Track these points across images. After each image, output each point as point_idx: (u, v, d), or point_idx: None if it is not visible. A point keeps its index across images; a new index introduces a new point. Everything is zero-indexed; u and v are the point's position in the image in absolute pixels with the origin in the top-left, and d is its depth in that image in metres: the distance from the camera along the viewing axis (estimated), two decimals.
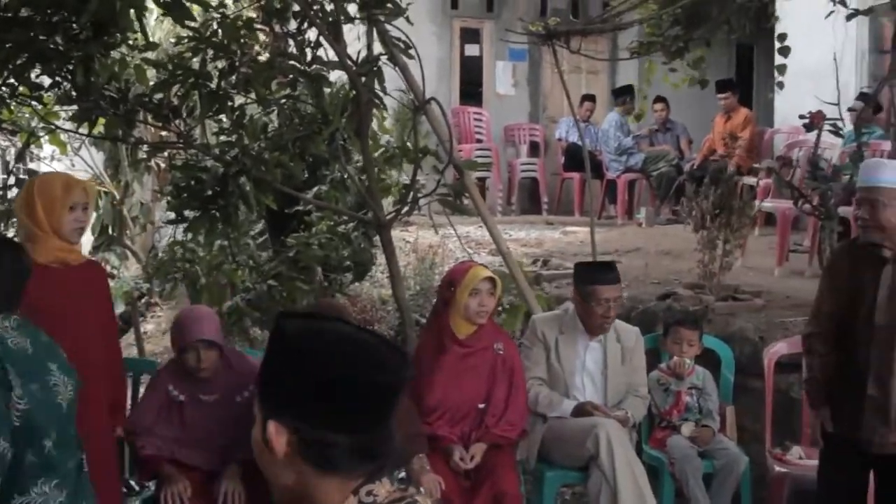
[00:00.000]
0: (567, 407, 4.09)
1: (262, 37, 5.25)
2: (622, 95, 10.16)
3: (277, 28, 4.79)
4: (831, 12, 5.33)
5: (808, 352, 3.66)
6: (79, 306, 3.37)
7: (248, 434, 2.81)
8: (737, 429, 4.43)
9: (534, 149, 11.11)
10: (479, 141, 10.79)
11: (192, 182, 4.80)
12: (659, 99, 9.97)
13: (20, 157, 5.22)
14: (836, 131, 5.32)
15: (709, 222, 5.39)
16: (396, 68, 4.84)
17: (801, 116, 5.57)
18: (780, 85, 5.80)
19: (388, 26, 4.65)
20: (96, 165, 9.87)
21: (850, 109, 7.12)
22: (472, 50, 11.44)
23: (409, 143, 5.03)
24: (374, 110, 4.84)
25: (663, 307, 5.34)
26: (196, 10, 4.73)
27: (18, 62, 4.26)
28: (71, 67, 4.35)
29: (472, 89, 11.47)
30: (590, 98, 10.68)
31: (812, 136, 5.80)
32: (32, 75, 4.51)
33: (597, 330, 4.18)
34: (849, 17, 5.42)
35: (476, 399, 3.89)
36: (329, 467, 1.44)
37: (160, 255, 9.56)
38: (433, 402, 3.83)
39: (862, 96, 7.28)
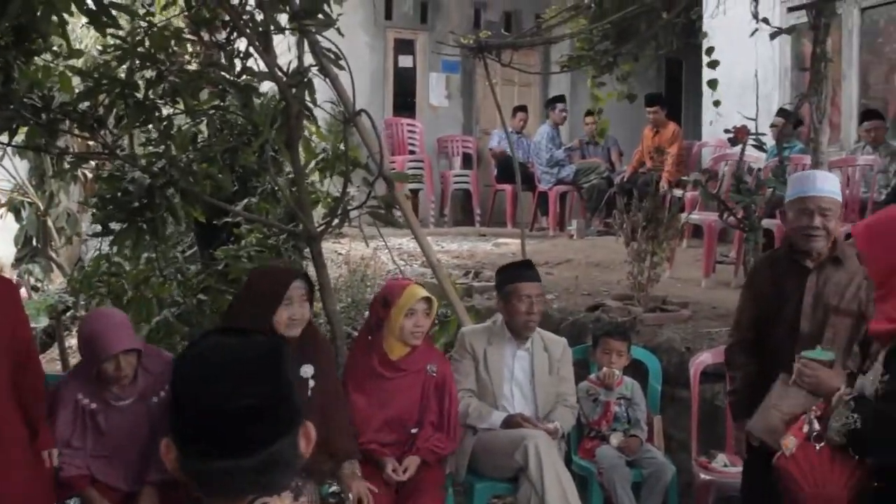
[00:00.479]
0: (496, 419, 4.11)
1: (191, 47, 5.19)
2: (552, 104, 10.33)
3: (206, 38, 4.73)
4: (755, 30, 5.47)
5: (730, 364, 3.74)
6: None
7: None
8: (664, 438, 4.49)
9: (467, 160, 11.17)
10: (412, 152, 10.81)
11: (119, 194, 4.71)
12: (590, 112, 10.14)
13: None
14: (760, 146, 5.46)
15: (638, 235, 5.47)
16: (327, 80, 4.82)
17: (727, 131, 5.70)
18: (717, 103, 5.93)
19: (319, 37, 4.63)
20: (19, 175, 9.63)
21: (772, 125, 7.32)
22: (405, 61, 11.47)
23: (341, 150, 5.00)
24: (306, 121, 4.81)
25: (592, 318, 5.39)
26: (123, 18, 4.66)
27: None
28: None
29: (405, 100, 11.50)
30: (522, 109, 10.79)
31: (738, 149, 5.93)
32: None
33: (523, 330, 4.21)
34: (772, 36, 5.57)
35: (407, 422, 3.86)
36: (208, 491, 1.42)
37: (86, 268, 9.37)
38: (361, 422, 3.79)
39: (782, 112, 7.49)
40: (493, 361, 4.22)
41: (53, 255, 9.60)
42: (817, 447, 2.77)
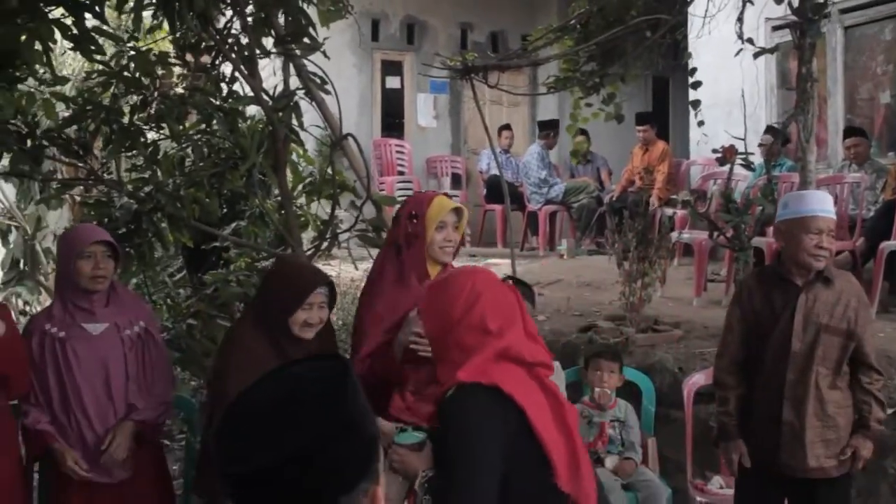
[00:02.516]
0: None
1: (177, 70, 5.16)
2: (546, 129, 10.27)
3: (192, 62, 4.70)
4: (740, 50, 5.47)
5: (719, 384, 3.70)
6: None
7: (142, 380, 2.67)
8: (659, 460, 4.45)
9: (456, 181, 11.16)
10: (400, 173, 10.79)
11: (105, 220, 4.66)
12: (579, 132, 10.13)
13: None
14: (748, 165, 5.45)
15: (630, 255, 5.45)
16: (313, 103, 4.80)
17: (715, 151, 5.69)
18: (701, 123, 5.91)
19: (305, 60, 4.61)
20: (6, 198, 9.56)
21: (760, 144, 7.32)
22: (393, 82, 11.48)
23: (329, 174, 4.96)
24: (293, 144, 4.78)
25: (585, 339, 5.35)
26: (109, 43, 4.62)
27: None
28: None
29: (393, 121, 11.50)
30: (507, 128, 10.78)
31: (726, 168, 5.92)
32: None
33: None
34: (756, 55, 5.57)
35: None
36: None
37: None
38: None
39: (770, 130, 7.49)
40: None
41: (42, 278, 9.51)
42: None
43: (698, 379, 4.48)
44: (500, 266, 8.34)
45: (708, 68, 6.92)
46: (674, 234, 7.03)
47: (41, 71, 4.48)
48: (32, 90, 4.62)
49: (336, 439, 1.29)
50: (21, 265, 9.56)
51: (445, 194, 3.75)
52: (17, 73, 4.22)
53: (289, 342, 3.28)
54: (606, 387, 4.38)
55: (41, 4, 4.09)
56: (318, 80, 4.61)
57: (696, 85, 6.07)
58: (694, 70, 6.23)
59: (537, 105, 11.84)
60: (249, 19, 4.54)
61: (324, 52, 4.52)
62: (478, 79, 5.65)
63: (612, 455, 4.28)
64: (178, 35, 4.63)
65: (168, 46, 5.45)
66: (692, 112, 6.04)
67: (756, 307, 3.56)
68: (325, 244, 4.63)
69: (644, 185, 9.08)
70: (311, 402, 1.31)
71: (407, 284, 3.43)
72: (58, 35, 4.29)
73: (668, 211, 8.12)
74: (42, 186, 8.20)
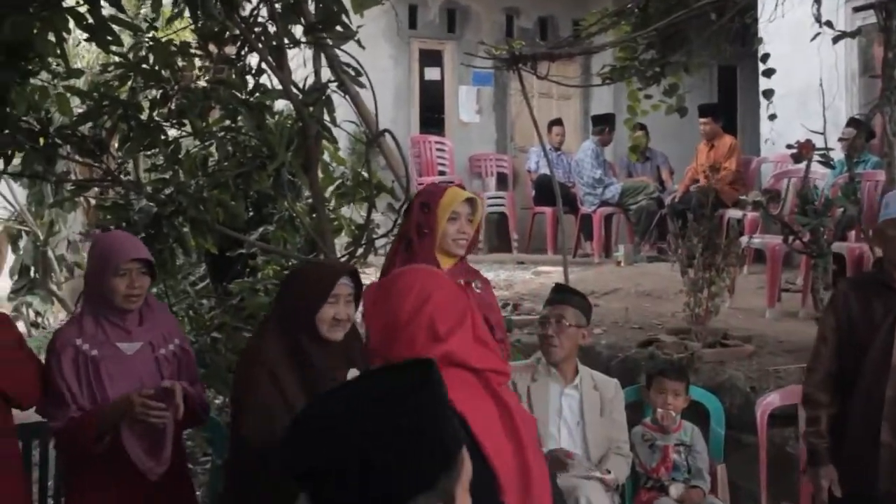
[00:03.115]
0: None
1: (199, 62, 5.20)
2: (601, 124, 10.21)
3: (215, 53, 4.74)
4: (817, 34, 5.39)
5: (810, 402, 3.64)
6: None
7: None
8: (729, 488, 4.39)
9: (502, 181, 11.14)
10: (441, 173, 10.80)
11: (124, 224, 4.71)
12: (637, 126, 10.05)
13: None
14: (826, 162, 5.37)
15: (695, 262, 5.39)
16: (347, 97, 4.81)
17: (790, 146, 5.61)
18: (773, 117, 5.84)
19: (337, 50, 4.62)
20: (17, 202, 9.72)
21: (841, 138, 7.20)
22: (432, 73, 11.50)
23: (363, 175, 4.97)
24: (325, 142, 4.79)
25: (645, 355, 5.31)
26: (126, 34, 4.68)
27: None
28: None
29: (433, 116, 11.51)
30: (558, 123, 10.73)
31: (802, 166, 5.85)
32: None
33: (545, 355, 4.19)
34: (835, 40, 5.49)
35: None
36: None
37: None
38: None
39: (853, 122, 7.37)
40: (537, 399, 4.15)
41: (54, 287, 9.64)
42: None
43: (773, 399, 4.40)
44: (552, 274, 8.31)
45: (781, 55, 6.82)
46: (743, 239, 6.95)
47: (54, 63, 4.54)
48: (45, 84, 4.69)
49: (394, 448, 1.41)
50: (32, 273, 9.70)
51: (476, 193, 3.84)
52: (30, 67, 4.27)
53: (316, 347, 3.25)
54: (670, 408, 4.32)
55: None
56: (352, 72, 4.61)
57: (769, 73, 6.01)
58: (766, 57, 6.17)
59: (591, 98, 11.78)
60: (277, 6, 4.56)
61: (358, 41, 4.54)
62: (526, 69, 5.64)
63: (676, 483, 4.22)
64: (200, 24, 4.67)
65: (189, 36, 5.50)
66: (763, 104, 5.97)
67: (853, 317, 3.51)
68: (360, 250, 4.62)
69: (709, 185, 8.97)
70: (379, 409, 1.44)
71: None
72: (72, 25, 4.37)
73: (737, 213, 8.02)
74: (55, 188, 8.34)
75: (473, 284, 3.73)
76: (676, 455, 4.29)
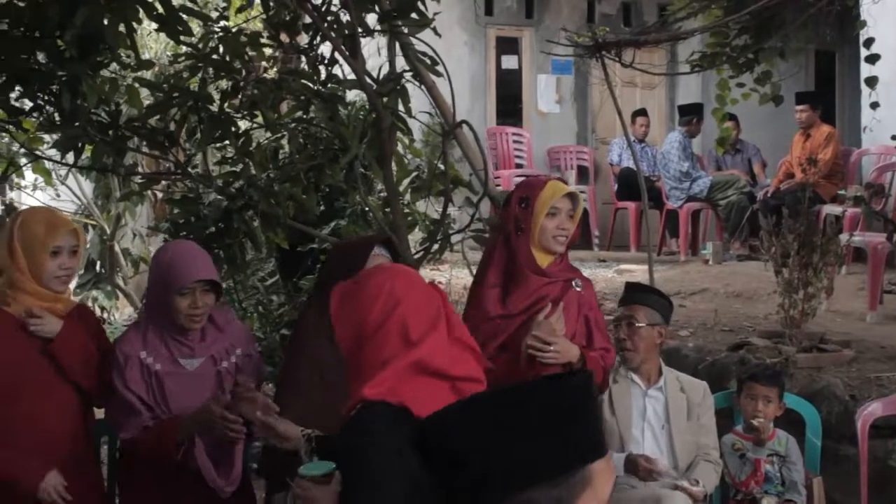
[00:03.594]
0: (618, 461, 3.98)
1: (268, 52, 5.29)
2: (689, 115, 10.09)
3: (287, 42, 4.80)
4: None
5: None
6: (53, 366, 3.37)
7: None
8: (826, 503, 4.33)
9: (582, 174, 11.10)
10: (518, 165, 10.81)
11: (192, 218, 4.81)
12: (727, 117, 9.90)
13: None
14: None
15: (790, 261, 5.32)
16: (423, 87, 4.84)
17: (894, 137, 5.50)
18: (875, 105, 5.72)
19: (413, 39, 4.65)
20: (84, 196, 9.98)
21: None
22: (509, 62, 11.50)
23: (439, 167, 5.00)
24: (400, 133, 4.83)
25: (736, 359, 5.27)
26: (195, 24, 4.77)
27: None
28: (55, 89, 4.39)
29: (510, 106, 11.52)
30: (642, 113, 10.65)
31: None
32: (11, 97, 4.55)
33: (622, 360, 4.18)
34: None
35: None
36: None
37: None
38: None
39: None
40: (620, 401, 4.15)
41: (120, 282, 9.88)
42: None
43: (875, 408, 4.33)
44: (635, 273, 8.26)
45: (886, 39, 6.67)
46: (843, 237, 6.82)
47: (124, 55, 4.65)
48: (115, 76, 4.81)
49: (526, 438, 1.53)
50: (97, 267, 9.95)
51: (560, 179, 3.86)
52: (101, 59, 4.39)
53: None
54: (763, 416, 4.28)
55: None
56: (428, 61, 4.64)
57: (872, 59, 5.88)
58: (870, 42, 6.04)
59: (676, 86, 11.68)
60: None
61: (434, 29, 4.56)
62: (610, 57, 5.60)
63: (769, 496, 4.18)
64: (270, 13, 4.74)
65: (258, 26, 5.59)
66: (865, 91, 5.85)
67: None
68: (434, 246, 4.65)
69: (806, 179, 8.82)
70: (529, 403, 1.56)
71: (519, 277, 3.61)
72: (141, 15, 4.47)
73: (836, 209, 7.88)
74: (122, 182, 8.53)
75: (574, 283, 3.74)
76: (769, 466, 4.24)
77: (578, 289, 3.74)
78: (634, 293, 4.33)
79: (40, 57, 4.33)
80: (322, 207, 5.78)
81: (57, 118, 4.51)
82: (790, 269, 5.41)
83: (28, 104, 4.56)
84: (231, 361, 3.53)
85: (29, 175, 8.18)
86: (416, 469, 2.25)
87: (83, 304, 3.83)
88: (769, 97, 6.48)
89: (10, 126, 4.82)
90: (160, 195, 8.89)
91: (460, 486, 1.54)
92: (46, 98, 4.46)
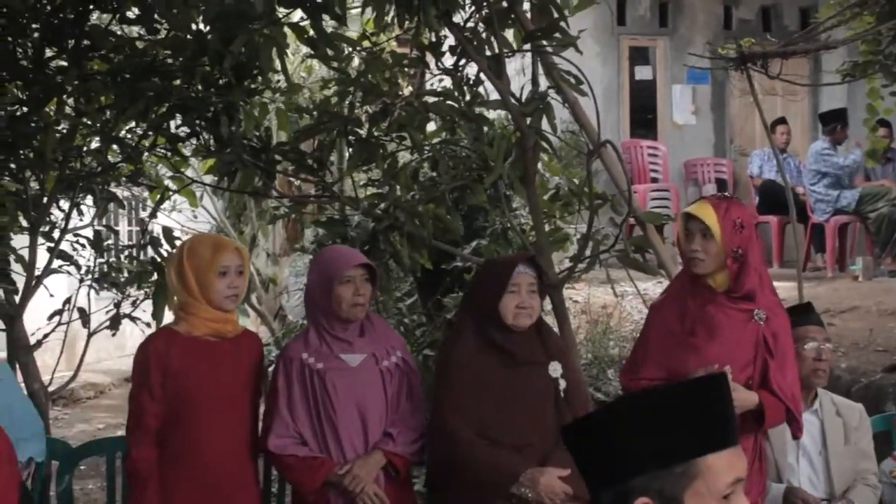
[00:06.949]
0: (776, 493, 4.00)
1: (411, 71, 5.49)
2: (832, 122, 9.96)
3: (433, 64, 4.99)
4: None
5: None
6: (229, 382, 3.65)
7: (400, 412, 3.45)
8: None
9: (721, 188, 11.04)
10: (654, 179, 10.83)
11: (339, 240, 5.04)
12: (881, 123, 9.76)
13: (154, 213, 5.62)
14: None
15: None
16: (566, 104, 4.97)
17: None
18: None
19: (555, 58, 4.78)
20: (218, 216, 10.45)
21: None
22: (643, 72, 11.53)
23: (575, 183, 5.09)
24: (543, 153, 4.95)
25: (893, 381, 5.22)
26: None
27: (159, 112, 4.63)
28: (210, 116, 4.70)
29: (644, 118, 11.55)
30: (782, 121, 10.54)
31: None
32: (171, 125, 4.87)
33: (810, 377, 4.04)
34: None
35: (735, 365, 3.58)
36: None
37: (290, 318, 9.98)
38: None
39: None
40: (773, 427, 4.14)
41: (255, 301, 10.28)
42: None
43: None
44: (779, 290, 8.18)
45: None
46: None
47: (275, 80, 4.94)
48: (266, 101, 5.10)
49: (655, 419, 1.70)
50: None
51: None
52: (253, 85, 4.68)
53: (507, 335, 3.68)
54: None
55: (278, 6, 4.52)
56: (572, 79, 4.76)
57: None
58: None
59: (820, 93, 11.50)
60: (485, 11, 4.72)
61: (576, 47, 4.68)
62: (756, 69, 5.62)
63: None
64: (413, 35, 4.94)
65: (392, 46, 5.79)
66: None
67: None
68: (582, 265, 4.75)
69: None
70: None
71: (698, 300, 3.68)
72: (291, 40, 4.74)
73: None
74: (257, 203, 8.88)
75: (755, 312, 3.69)
76: None
77: (762, 322, 3.68)
78: (811, 314, 4.25)
79: (198, 86, 4.64)
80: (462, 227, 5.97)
81: (212, 144, 4.82)
82: None
83: (185, 130, 4.89)
84: (392, 361, 3.76)
85: None
86: None
87: (251, 331, 4.09)
88: None
89: (168, 153, 5.15)
90: (293, 215, 9.22)
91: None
92: (202, 125, 4.78)
